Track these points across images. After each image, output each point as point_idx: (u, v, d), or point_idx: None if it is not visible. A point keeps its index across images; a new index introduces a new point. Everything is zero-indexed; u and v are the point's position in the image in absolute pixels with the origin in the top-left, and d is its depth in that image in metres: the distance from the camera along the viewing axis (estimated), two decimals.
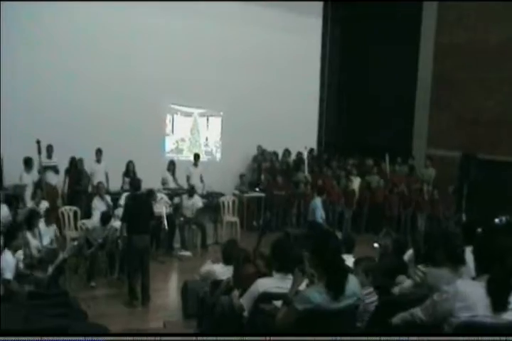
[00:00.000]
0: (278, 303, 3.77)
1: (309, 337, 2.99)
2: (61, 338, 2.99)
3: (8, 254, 6.01)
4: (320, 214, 9.61)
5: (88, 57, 11.78)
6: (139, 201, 7.38)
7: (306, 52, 14.73)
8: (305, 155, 12.83)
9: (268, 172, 12.46)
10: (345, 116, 15.03)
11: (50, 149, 10.45)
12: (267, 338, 2.97)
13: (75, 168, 10.84)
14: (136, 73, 12.31)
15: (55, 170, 10.50)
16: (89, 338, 2.93)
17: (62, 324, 3.68)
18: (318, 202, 9.72)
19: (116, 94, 12.08)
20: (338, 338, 2.94)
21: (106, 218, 8.20)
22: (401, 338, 2.94)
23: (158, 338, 2.93)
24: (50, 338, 2.94)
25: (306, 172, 12.34)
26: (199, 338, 2.97)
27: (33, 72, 11.30)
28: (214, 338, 2.96)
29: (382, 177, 12.25)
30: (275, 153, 13.22)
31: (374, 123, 13.87)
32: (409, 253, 5.74)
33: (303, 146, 12.98)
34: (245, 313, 4.12)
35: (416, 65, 13.19)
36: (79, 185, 10.75)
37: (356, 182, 12.27)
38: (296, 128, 14.02)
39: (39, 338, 2.91)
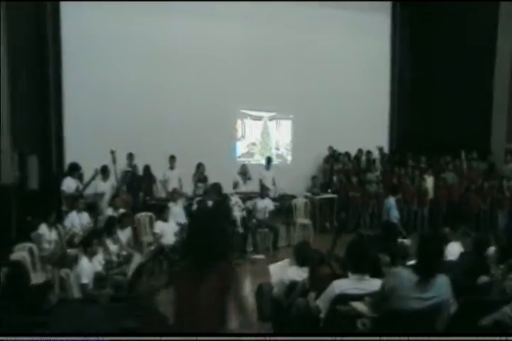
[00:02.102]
0: (355, 305, 3.70)
1: (309, 337, 3.05)
2: (64, 338, 2.94)
3: (84, 260, 6.22)
4: (394, 214, 9.38)
5: (159, 66, 12.13)
6: (222, 208, 7.30)
7: (376, 51, 14.48)
8: (376, 154, 12.57)
9: (341, 173, 12.29)
10: (417, 114, 14.61)
11: (130, 157, 10.87)
12: (267, 338, 2.98)
13: (149, 175, 11.12)
14: (206, 80, 12.53)
15: (135, 174, 10.89)
16: (91, 338, 2.89)
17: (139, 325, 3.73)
18: (392, 201, 9.50)
19: (187, 101, 12.35)
20: (338, 338, 2.93)
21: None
22: (401, 338, 2.92)
23: (158, 338, 2.89)
24: (52, 338, 2.91)
25: (378, 172, 12.08)
26: (199, 338, 2.90)
27: (107, 82, 11.75)
28: (213, 338, 2.91)
29: (458, 175, 11.81)
30: (347, 154, 13.03)
31: (447, 120, 13.41)
32: (490, 252, 5.48)
33: (374, 146, 12.73)
34: (322, 315, 4.09)
35: (492, 60, 12.66)
36: (152, 192, 11.02)
37: (430, 181, 11.89)
38: (367, 127, 13.81)
39: (39, 338, 2.89)
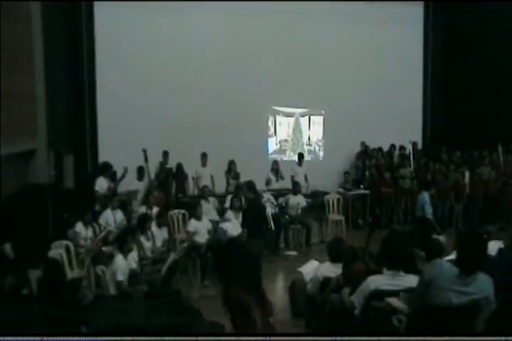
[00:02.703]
0: (390, 300, 3.66)
1: (309, 337, 3.14)
2: (62, 338, 2.94)
3: (119, 257, 6.29)
4: (429, 210, 9.24)
5: (191, 64, 12.20)
6: (257, 206, 7.28)
7: (408, 43, 14.30)
8: (410, 149, 12.39)
9: (373, 168, 12.16)
10: (451, 107, 14.35)
11: (166, 155, 10.97)
12: (267, 338, 2.93)
13: (182, 173, 11.20)
14: (237, 77, 12.56)
15: (171, 173, 11.01)
16: (90, 338, 2.90)
17: (181, 321, 3.76)
18: (426, 197, 9.34)
19: (219, 98, 12.38)
20: (338, 338, 2.92)
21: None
22: (401, 338, 2.97)
23: (159, 338, 2.90)
24: (51, 338, 2.91)
25: (412, 167, 11.90)
26: (199, 338, 2.91)
27: (140, 82, 11.87)
28: (213, 338, 2.95)
29: (495, 169, 11.56)
30: (380, 149, 12.88)
31: (482, 113, 13.13)
32: None
33: (407, 141, 12.56)
34: (356, 311, 4.07)
35: None
36: (184, 189, 11.10)
37: (466, 176, 11.65)
38: (400, 122, 13.66)
39: (39, 338, 2.89)
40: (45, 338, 2.90)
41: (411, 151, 12.30)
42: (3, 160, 7.60)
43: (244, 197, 7.69)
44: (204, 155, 11.11)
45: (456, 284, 3.17)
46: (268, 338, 2.95)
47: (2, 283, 5.45)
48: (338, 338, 2.94)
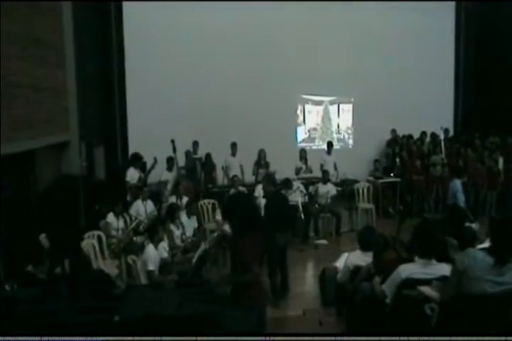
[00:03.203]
0: (422, 289, 3.60)
1: (309, 337, 3.06)
2: (61, 338, 2.96)
3: (150, 247, 6.33)
4: (461, 198, 9.04)
5: (219, 53, 12.14)
6: (279, 199, 7.18)
7: (440, 28, 13.98)
8: (441, 136, 12.16)
9: (404, 156, 11.98)
10: (483, 93, 14.02)
11: (195, 145, 11.05)
12: (267, 338, 2.95)
13: (211, 163, 11.21)
14: (265, 66, 12.46)
15: (200, 163, 11.09)
16: (90, 338, 2.90)
17: (214, 310, 3.76)
18: (458, 184, 9.13)
19: (247, 88, 12.31)
20: (339, 338, 2.95)
21: None
22: (401, 338, 2.92)
23: (158, 338, 2.91)
24: (50, 338, 2.93)
25: (443, 154, 11.69)
26: (199, 338, 2.91)
27: (168, 72, 11.87)
28: (214, 338, 2.92)
29: None
30: (410, 136, 12.67)
31: None
32: None
33: (439, 128, 12.32)
34: (388, 300, 4.04)
35: None
36: (213, 179, 11.12)
37: (499, 162, 11.38)
38: (431, 109, 13.43)
39: (39, 338, 2.90)
40: (45, 338, 2.91)
41: (442, 138, 12.06)
42: (38, 152, 7.72)
43: (264, 190, 7.62)
44: (234, 145, 11.10)
45: (491, 274, 3.09)
46: (268, 338, 2.97)
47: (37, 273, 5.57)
48: (338, 338, 2.95)
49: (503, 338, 2.84)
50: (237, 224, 4.08)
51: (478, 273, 3.07)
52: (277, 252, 6.94)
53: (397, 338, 2.94)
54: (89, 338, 2.93)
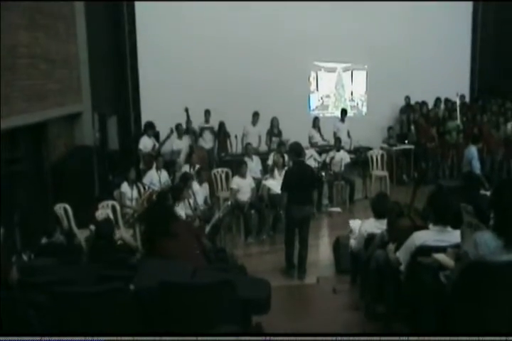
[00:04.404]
0: (437, 256, 3.56)
1: (309, 337, 3.04)
2: (61, 338, 2.97)
3: None
4: (476, 165, 8.91)
5: (232, 20, 11.88)
6: (300, 169, 6.81)
7: None
8: (457, 102, 11.93)
9: (418, 123, 11.80)
10: (501, 57, 13.66)
11: (207, 114, 10.92)
12: (267, 338, 2.95)
13: (224, 131, 11.14)
14: (278, 33, 12.19)
15: (212, 131, 10.95)
16: (89, 338, 2.91)
17: (226, 278, 3.77)
18: (474, 151, 8.98)
19: (259, 55, 12.08)
20: (339, 338, 2.94)
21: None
22: (401, 338, 2.94)
23: (158, 338, 2.92)
24: (50, 338, 2.94)
25: (459, 121, 11.49)
26: (199, 338, 2.89)
27: (180, 40, 11.69)
28: (213, 338, 2.93)
29: None
30: (424, 103, 12.45)
31: None
32: None
33: (454, 94, 12.08)
34: (402, 267, 4.02)
35: None
36: (226, 148, 11.08)
37: None
38: (446, 75, 13.13)
39: (39, 338, 2.91)
40: (45, 338, 2.93)
41: (458, 104, 11.84)
42: (51, 123, 7.71)
43: (290, 158, 7.47)
44: (256, 114, 10.93)
45: (502, 255, 2.97)
46: (268, 338, 2.94)
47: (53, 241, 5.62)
48: (339, 338, 2.93)
49: (504, 338, 2.82)
50: None
51: (488, 257, 2.96)
52: (294, 226, 6.78)
53: (397, 338, 2.96)
54: (89, 338, 2.92)
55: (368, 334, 3.54)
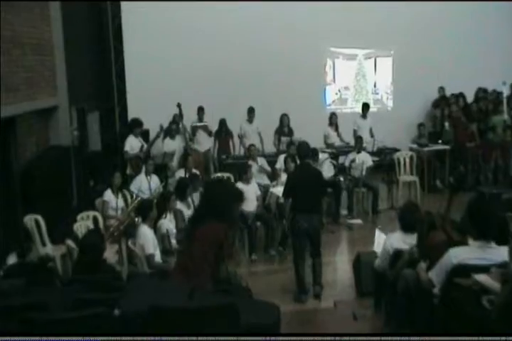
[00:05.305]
0: (479, 277, 3.55)
1: (309, 337, 3.43)
2: (61, 338, 3.25)
3: (144, 228, 6.33)
4: None
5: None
6: (305, 172, 6.90)
7: None
8: (503, 93, 11.91)
9: (455, 118, 11.80)
10: None
11: (200, 111, 10.91)
12: (267, 338, 3.23)
13: (226, 130, 11.16)
14: (287, 14, 12.24)
15: (206, 130, 10.95)
16: (90, 338, 3.22)
17: (228, 301, 3.78)
18: None
19: (264, 41, 12.11)
20: (338, 338, 3.25)
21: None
22: (402, 338, 3.32)
23: (158, 338, 3.20)
24: (50, 338, 3.21)
25: (506, 115, 11.48)
26: (199, 338, 3.20)
27: (175, 26, 11.73)
28: (214, 338, 3.20)
29: None
30: (462, 95, 12.45)
31: None
32: None
33: (500, 83, 12.05)
34: (436, 290, 4.03)
35: None
36: (228, 149, 11.11)
37: None
38: (489, 60, 13.23)
39: (39, 338, 3.20)
40: (45, 338, 3.20)
41: (505, 95, 11.81)
42: (20, 119, 7.72)
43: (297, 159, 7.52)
44: (251, 110, 11.01)
45: None
46: (268, 338, 3.20)
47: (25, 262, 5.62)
48: (338, 338, 3.20)
49: (504, 338, 2.99)
50: None
51: None
52: (302, 238, 6.78)
53: (398, 338, 3.25)
54: (88, 338, 3.20)
55: (368, 334, 3.93)
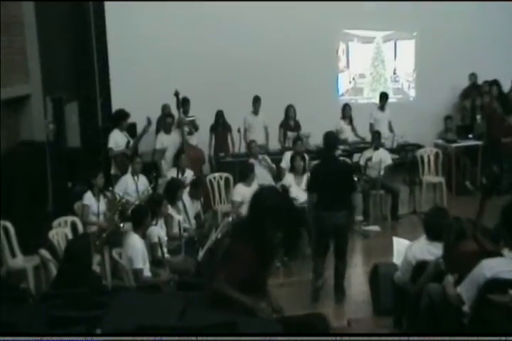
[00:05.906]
0: None
1: (309, 337, 3.70)
2: (61, 338, 3.54)
3: (135, 238, 6.34)
4: None
5: None
6: (332, 165, 7.16)
7: None
8: None
9: (488, 109, 11.80)
10: None
11: (185, 103, 10.75)
12: (267, 338, 3.49)
13: (223, 124, 11.17)
14: None
15: (193, 124, 10.93)
16: (89, 338, 3.50)
17: (226, 319, 3.80)
18: None
19: (269, 23, 12.17)
20: (338, 338, 3.56)
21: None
22: (401, 338, 3.63)
23: (158, 338, 3.46)
24: (50, 338, 3.49)
25: None
26: (199, 338, 3.46)
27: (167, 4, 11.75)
28: (213, 338, 3.48)
29: None
30: (497, 83, 12.44)
31: None
32: None
33: None
34: (466, 307, 4.04)
35: None
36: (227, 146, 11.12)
37: None
38: None
39: (39, 338, 3.47)
40: (45, 338, 3.47)
41: None
42: None
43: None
44: (257, 100, 11.05)
45: None
46: (268, 338, 3.45)
47: None
48: (338, 338, 3.50)
49: (503, 338, 3.21)
50: None
51: None
52: (324, 239, 7.00)
53: (397, 338, 3.59)
54: (89, 338, 3.50)
55: (367, 334, 4.23)
